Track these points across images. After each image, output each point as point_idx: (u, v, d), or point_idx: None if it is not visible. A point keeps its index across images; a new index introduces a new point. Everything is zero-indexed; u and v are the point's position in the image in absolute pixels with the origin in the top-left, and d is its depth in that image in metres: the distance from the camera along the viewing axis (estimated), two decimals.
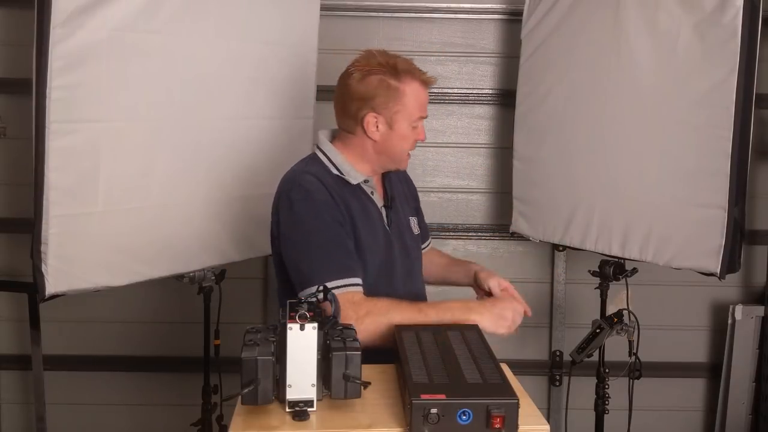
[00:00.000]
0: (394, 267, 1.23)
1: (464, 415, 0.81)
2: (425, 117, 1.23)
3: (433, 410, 0.80)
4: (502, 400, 0.82)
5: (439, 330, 1.07)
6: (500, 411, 0.81)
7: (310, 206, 1.15)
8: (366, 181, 1.23)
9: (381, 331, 1.08)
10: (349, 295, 1.10)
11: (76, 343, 2.09)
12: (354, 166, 1.21)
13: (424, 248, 1.39)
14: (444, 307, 1.10)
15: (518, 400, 0.83)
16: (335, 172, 1.21)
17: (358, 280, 1.13)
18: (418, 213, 1.39)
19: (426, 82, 1.21)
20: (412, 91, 1.18)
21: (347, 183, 1.20)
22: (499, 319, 1.11)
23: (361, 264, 1.16)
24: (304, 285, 1.11)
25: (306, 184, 1.17)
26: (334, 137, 1.26)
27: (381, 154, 1.23)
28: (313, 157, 1.24)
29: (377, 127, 1.20)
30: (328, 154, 1.23)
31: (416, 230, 1.32)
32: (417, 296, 1.28)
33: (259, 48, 1.65)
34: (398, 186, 1.32)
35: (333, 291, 1.06)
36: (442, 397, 0.82)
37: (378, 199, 1.24)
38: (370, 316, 1.08)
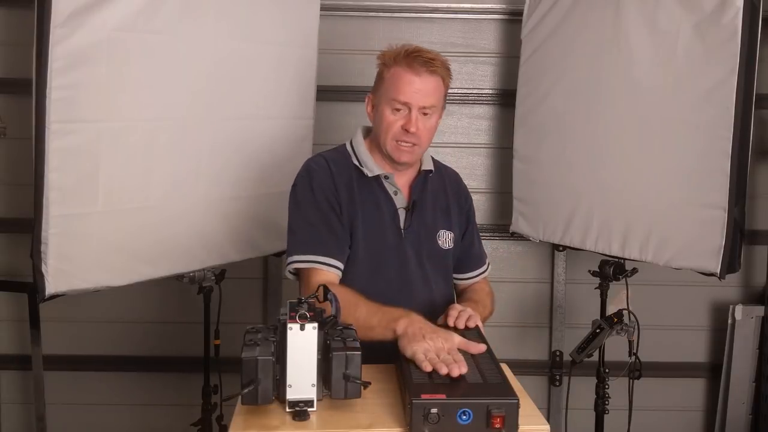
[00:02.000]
0: (408, 273, 1.21)
1: (464, 415, 0.81)
2: (407, 103, 1.17)
3: (433, 410, 0.81)
4: (502, 400, 0.82)
5: None
6: (500, 411, 0.81)
7: (305, 184, 1.20)
8: (386, 177, 1.22)
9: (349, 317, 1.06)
10: (322, 275, 1.12)
11: (76, 343, 2.09)
12: (374, 159, 1.23)
13: (470, 276, 1.33)
14: (379, 309, 1.06)
15: (518, 400, 0.83)
16: (355, 162, 1.23)
17: (330, 260, 1.14)
18: (466, 233, 1.31)
19: (413, 67, 1.15)
20: (394, 73, 1.18)
21: (364, 175, 1.22)
22: (414, 338, 0.96)
23: (347, 250, 1.17)
24: (287, 257, 1.18)
25: (312, 164, 1.23)
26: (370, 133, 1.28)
27: (375, 139, 1.24)
28: (341, 145, 1.28)
29: (371, 107, 1.25)
30: (354, 145, 1.26)
31: (446, 245, 1.26)
32: (433, 312, 1.19)
33: (259, 48, 1.64)
34: (436, 196, 1.27)
35: (300, 264, 1.12)
36: (442, 397, 0.82)
37: (401, 200, 1.23)
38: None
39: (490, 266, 1.38)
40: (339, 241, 1.17)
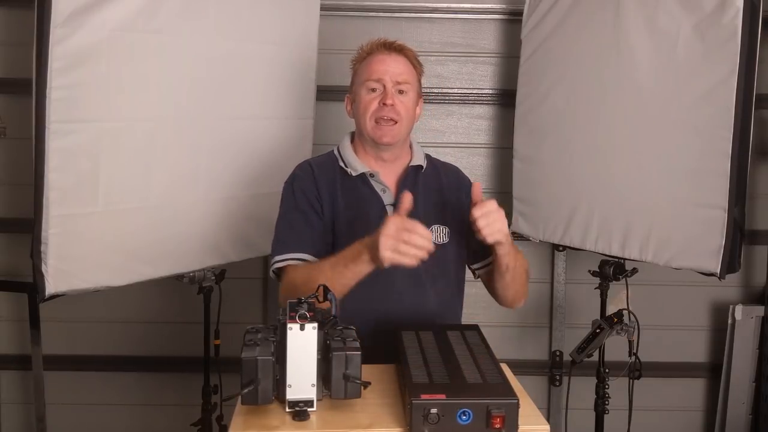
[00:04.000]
0: (394, 270, 1.16)
1: (464, 415, 0.81)
2: (381, 79, 1.19)
3: (433, 410, 0.81)
4: (502, 400, 0.82)
5: (439, 330, 1.07)
6: (500, 411, 0.81)
7: (288, 188, 1.24)
8: (372, 175, 1.22)
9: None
10: (290, 269, 1.15)
11: (76, 343, 2.09)
12: (359, 159, 1.24)
13: (483, 266, 1.29)
14: (339, 255, 1.08)
15: (518, 400, 0.83)
16: (341, 164, 1.25)
17: (306, 256, 1.16)
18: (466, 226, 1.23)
19: (383, 49, 1.20)
20: (365, 61, 1.23)
21: (349, 176, 1.23)
22: (382, 247, 0.99)
23: (327, 247, 1.18)
24: (270, 260, 1.21)
25: (297, 170, 1.26)
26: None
27: (359, 133, 1.25)
28: (330, 151, 1.30)
29: (350, 105, 1.27)
30: (340, 148, 1.28)
31: (440, 240, 1.24)
32: (425, 310, 1.20)
33: (259, 48, 1.64)
34: (429, 191, 1.25)
35: (278, 264, 1.15)
36: (442, 397, 0.82)
37: (389, 197, 1.23)
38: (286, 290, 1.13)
39: None
40: (318, 237, 1.18)
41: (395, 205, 1.22)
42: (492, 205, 1.08)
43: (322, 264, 1.11)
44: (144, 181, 1.46)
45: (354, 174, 1.22)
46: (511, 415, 0.82)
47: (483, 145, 2.14)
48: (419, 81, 1.26)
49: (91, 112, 1.34)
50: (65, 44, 1.28)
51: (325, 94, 1.94)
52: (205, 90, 1.55)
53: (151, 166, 1.47)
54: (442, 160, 1.37)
